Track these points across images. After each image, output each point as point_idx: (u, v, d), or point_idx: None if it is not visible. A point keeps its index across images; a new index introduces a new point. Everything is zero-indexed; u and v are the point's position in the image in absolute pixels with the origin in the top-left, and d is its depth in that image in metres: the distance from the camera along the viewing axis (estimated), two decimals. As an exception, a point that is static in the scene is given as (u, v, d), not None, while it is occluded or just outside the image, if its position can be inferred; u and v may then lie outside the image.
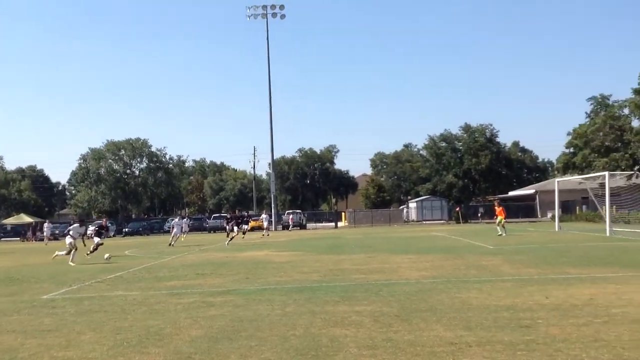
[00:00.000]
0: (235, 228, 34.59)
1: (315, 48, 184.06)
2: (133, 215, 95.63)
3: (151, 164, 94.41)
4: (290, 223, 64.03)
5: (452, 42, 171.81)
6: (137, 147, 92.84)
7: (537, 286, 11.30)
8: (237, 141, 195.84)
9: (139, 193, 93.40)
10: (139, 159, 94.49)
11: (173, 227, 36.33)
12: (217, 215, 72.07)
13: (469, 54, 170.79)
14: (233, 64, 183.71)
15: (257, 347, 7.05)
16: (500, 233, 31.07)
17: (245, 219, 39.18)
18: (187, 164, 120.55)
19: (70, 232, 22.16)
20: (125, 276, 16.58)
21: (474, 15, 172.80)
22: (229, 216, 40.48)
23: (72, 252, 21.48)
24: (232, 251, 26.33)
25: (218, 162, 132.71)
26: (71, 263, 21.02)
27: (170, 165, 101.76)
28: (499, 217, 32.18)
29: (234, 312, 9.60)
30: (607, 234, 28.49)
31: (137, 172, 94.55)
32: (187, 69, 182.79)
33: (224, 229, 63.24)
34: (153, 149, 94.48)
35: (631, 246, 21.17)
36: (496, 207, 33.34)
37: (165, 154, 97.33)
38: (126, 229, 67.47)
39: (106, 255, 22.19)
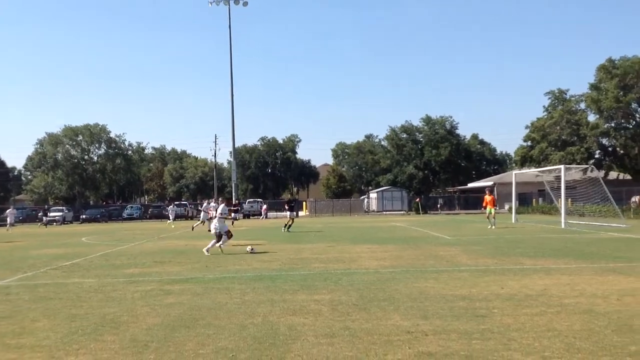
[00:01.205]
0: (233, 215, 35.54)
1: (279, 36, 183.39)
2: (91, 202, 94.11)
3: (110, 150, 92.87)
4: (263, 213, 64.35)
5: (413, 34, 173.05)
6: (96, 133, 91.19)
7: (493, 276, 11.50)
8: (199, 129, 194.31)
9: (97, 179, 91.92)
10: (97, 145, 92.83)
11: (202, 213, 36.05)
12: (178, 202, 71.33)
13: (430, 47, 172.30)
14: (194, 50, 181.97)
15: (214, 336, 7.03)
16: (490, 226, 29.49)
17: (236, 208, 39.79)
18: (147, 151, 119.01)
19: None
20: (82, 263, 16.33)
21: (433, 8, 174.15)
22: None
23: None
24: (192, 239, 26.13)
25: (179, 150, 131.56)
26: None
27: (130, 152, 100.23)
28: (489, 208, 30.35)
29: (192, 301, 9.54)
30: (562, 226, 29.09)
31: (95, 158, 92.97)
32: (147, 55, 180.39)
33: (184, 216, 63.20)
34: (112, 134, 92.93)
35: (584, 238, 21.68)
36: (486, 196, 31.27)
37: (125, 140, 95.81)
38: (84, 216, 66.40)
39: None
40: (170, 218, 45.26)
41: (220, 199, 26.09)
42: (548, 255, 15.40)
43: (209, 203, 37.86)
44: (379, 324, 7.41)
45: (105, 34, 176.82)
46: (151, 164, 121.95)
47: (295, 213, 33.06)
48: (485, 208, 31.56)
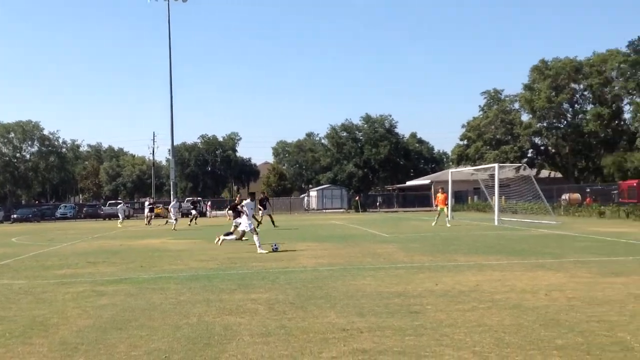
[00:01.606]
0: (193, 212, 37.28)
1: (219, 34, 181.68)
2: (23, 201, 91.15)
3: (43, 148, 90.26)
4: (208, 211, 63.72)
5: (352, 32, 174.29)
6: (28, 130, 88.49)
7: (428, 273, 11.69)
8: (137, 126, 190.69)
9: (29, 178, 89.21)
10: (29, 142, 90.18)
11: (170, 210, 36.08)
12: (113, 202, 69.83)
13: (369, 46, 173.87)
14: (132, 47, 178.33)
15: (147, 337, 6.91)
16: (433, 223, 29.41)
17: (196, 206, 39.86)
18: (82, 149, 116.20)
19: None
20: (12, 264, 15.83)
21: (372, 8, 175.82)
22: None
23: None
24: (128, 239, 25.64)
25: (116, 148, 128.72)
26: None
27: (64, 150, 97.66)
28: (441, 206, 30.32)
29: (125, 302, 9.36)
30: (496, 223, 29.82)
31: (27, 156, 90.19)
32: (83, 50, 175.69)
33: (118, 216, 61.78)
34: (45, 132, 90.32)
35: (516, 235, 22.29)
36: (439, 194, 31.02)
37: (59, 137, 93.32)
38: (15, 216, 64.20)
39: None
40: (120, 217, 43.71)
41: (237, 195, 25.97)
42: (481, 252, 15.77)
43: (177, 202, 37.32)
44: (315, 322, 7.43)
45: (40, 27, 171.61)
46: (86, 162, 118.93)
47: (269, 210, 33.31)
48: (437, 206, 31.57)
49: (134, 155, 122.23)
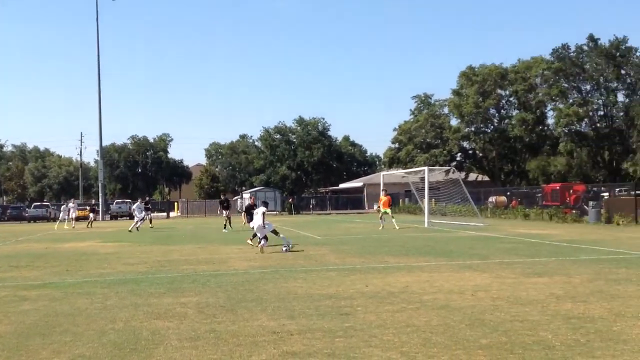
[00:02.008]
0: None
1: (150, 33, 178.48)
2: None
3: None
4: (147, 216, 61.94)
5: (285, 36, 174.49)
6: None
7: (358, 275, 11.81)
8: (63, 126, 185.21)
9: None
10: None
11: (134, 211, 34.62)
12: (38, 204, 67.41)
13: (302, 49, 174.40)
14: (59, 45, 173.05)
15: (71, 343, 6.71)
16: (391, 225, 28.39)
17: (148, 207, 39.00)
18: (5, 149, 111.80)
19: None
20: None
21: (304, 12, 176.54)
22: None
23: None
24: (54, 242, 24.86)
25: (41, 148, 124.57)
26: None
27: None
28: (384, 208, 29.40)
29: (49, 307, 9.06)
30: (426, 225, 30.41)
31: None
32: (6, 48, 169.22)
33: (45, 218, 59.75)
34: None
35: (445, 237, 22.79)
36: (382, 197, 30.02)
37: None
38: None
39: None
40: (72, 217, 40.95)
41: (252, 197, 25.11)
42: (411, 254, 16.04)
43: (142, 202, 36.03)
44: (246, 325, 7.39)
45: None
46: (10, 163, 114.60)
47: (229, 211, 32.82)
48: (379, 210, 30.91)
49: (61, 156, 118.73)
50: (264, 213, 17.74)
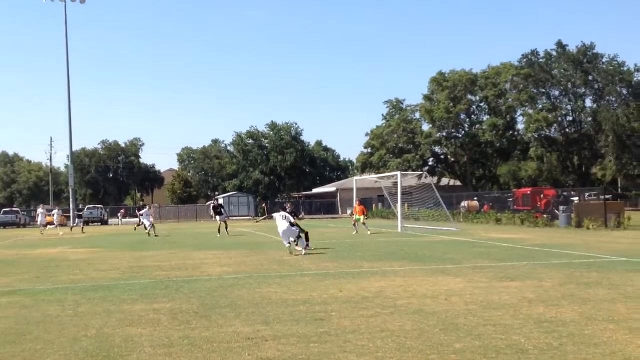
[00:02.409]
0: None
1: (121, 36, 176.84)
2: None
3: None
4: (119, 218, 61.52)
5: (257, 41, 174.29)
6: None
7: (332, 280, 11.82)
8: (32, 130, 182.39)
9: None
10: None
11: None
12: (8, 210, 66.26)
13: (273, 53, 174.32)
14: (27, 47, 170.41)
15: (42, 350, 6.61)
16: (354, 232, 29.04)
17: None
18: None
19: None
20: None
21: (276, 16, 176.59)
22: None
23: None
24: (23, 248, 24.47)
25: (10, 153, 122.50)
26: None
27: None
28: (358, 215, 30.01)
29: (19, 314, 8.92)
30: (399, 230, 30.56)
31: None
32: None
33: (15, 223, 58.78)
34: None
35: (419, 241, 22.92)
36: (356, 205, 30.92)
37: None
38: None
39: None
40: (41, 222, 40.19)
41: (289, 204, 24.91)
42: (385, 259, 16.10)
43: (149, 208, 35.11)
44: (220, 331, 7.35)
45: None
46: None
47: (224, 216, 32.18)
48: (352, 215, 31.41)
49: (30, 161, 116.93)
50: (285, 215, 18.02)
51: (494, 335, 6.84)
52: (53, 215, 41.90)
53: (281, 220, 17.86)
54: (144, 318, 8.33)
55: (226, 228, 30.58)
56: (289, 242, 17.93)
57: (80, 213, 44.38)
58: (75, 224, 38.16)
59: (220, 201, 38.12)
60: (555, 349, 6.24)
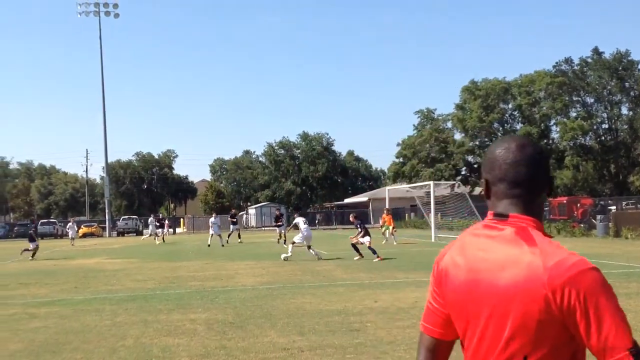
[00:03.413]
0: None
1: (153, 50, 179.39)
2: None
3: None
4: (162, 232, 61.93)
5: (289, 52, 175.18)
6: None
7: (367, 290, 11.78)
8: (69, 143, 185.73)
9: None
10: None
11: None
12: (45, 221, 67.42)
13: (305, 65, 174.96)
14: (63, 62, 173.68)
15: (83, 360, 6.73)
16: (384, 241, 28.73)
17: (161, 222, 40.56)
18: (11, 166, 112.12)
19: None
20: None
21: (309, 30, 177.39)
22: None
23: None
24: (61, 259, 24.90)
25: (47, 165, 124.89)
26: None
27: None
28: (386, 225, 30.03)
29: (59, 324, 9.08)
30: (433, 240, 30.33)
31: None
32: (12, 65, 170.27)
33: (52, 235, 59.78)
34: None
35: (453, 251, 22.66)
36: (385, 215, 30.92)
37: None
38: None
39: None
40: (71, 236, 40.91)
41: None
42: (419, 269, 15.98)
43: (217, 216, 34.71)
44: (256, 342, 7.39)
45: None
46: (16, 180, 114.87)
47: (237, 226, 33.99)
48: (382, 226, 31.49)
49: (67, 173, 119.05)
50: (306, 221, 20.45)
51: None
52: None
53: (303, 225, 19.70)
54: (180, 328, 8.41)
55: (239, 236, 33.18)
56: (309, 247, 19.63)
57: (163, 222, 43.60)
58: (161, 234, 38.76)
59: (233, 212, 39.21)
60: (597, 361, 6.12)
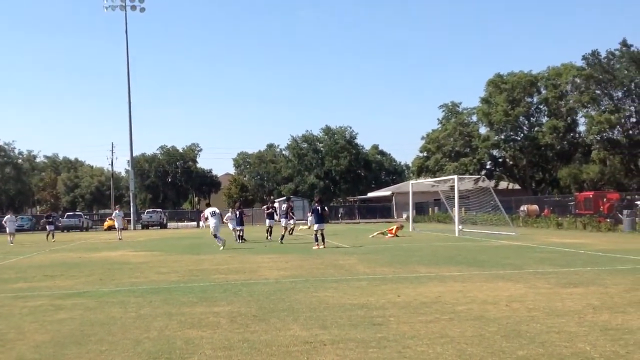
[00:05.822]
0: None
1: (178, 44, 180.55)
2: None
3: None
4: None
5: (312, 46, 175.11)
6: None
7: (390, 285, 11.73)
8: (94, 137, 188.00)
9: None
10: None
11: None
12: (71, 213, 68.29)
13: (329, 58, 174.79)
14: (89, 56, 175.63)
15: (107, 352, 6.78)
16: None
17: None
18: (38, 160, 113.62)
19: None
20: (-36, 279, 15.37)
21: (331, 23, 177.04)
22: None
23: None
24: (86, 251, 25.20)
25: (72, 158, 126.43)
26: None
27: (20, 161, 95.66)
28: (389, 233, 30.17)
29: (84, 316, 9.17)
30: (456, 234, 30.16)
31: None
32: (38, 59, 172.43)
33: (78, 227, 60.55)
34: (0, 142, 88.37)
35: (477, 246, 22.56)
36: (393, 227, 30.86)
37: (14, 148, 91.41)
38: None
39: None
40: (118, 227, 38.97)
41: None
42: (442, 263, 15.90)
43: (233, 211, 32.54)
44: (278, 335, 7.39)
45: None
46: (43, 173, 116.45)
47: (293, 220, 33.84)
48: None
49: (92, 166, 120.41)
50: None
51: (558, 343, 6.67)
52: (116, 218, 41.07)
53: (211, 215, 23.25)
54: (204, 321, 8.45)
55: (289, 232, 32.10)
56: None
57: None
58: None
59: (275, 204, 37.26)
60: (623, 357, 6.04)
